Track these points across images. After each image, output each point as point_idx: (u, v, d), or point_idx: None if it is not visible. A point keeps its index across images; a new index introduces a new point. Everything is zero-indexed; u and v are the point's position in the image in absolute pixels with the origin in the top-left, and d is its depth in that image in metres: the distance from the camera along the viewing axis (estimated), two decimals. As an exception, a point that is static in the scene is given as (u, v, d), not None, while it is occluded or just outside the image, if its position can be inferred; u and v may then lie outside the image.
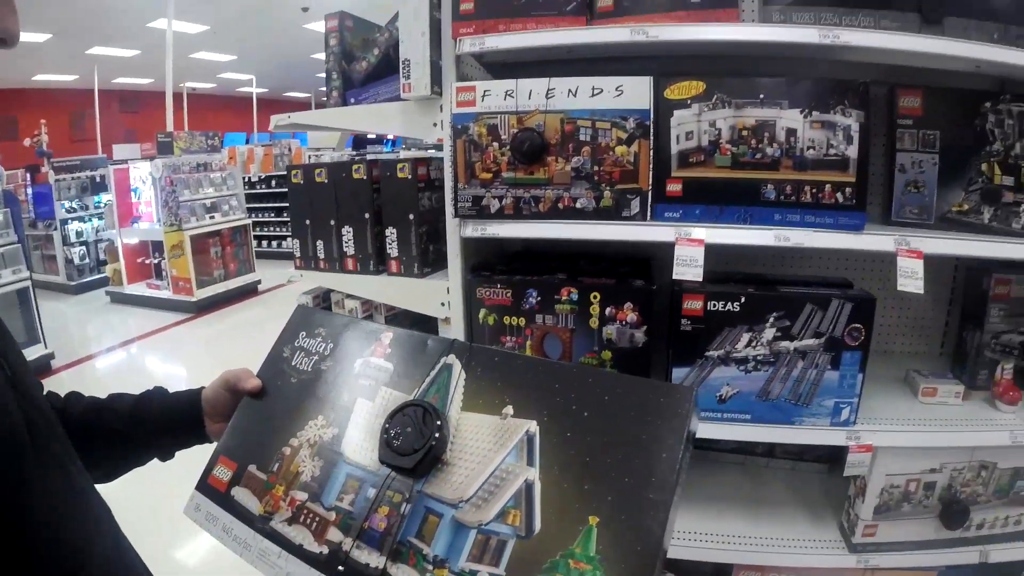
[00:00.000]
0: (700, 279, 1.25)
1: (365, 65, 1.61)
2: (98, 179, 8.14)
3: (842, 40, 1.20)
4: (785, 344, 1.34)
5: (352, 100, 1.64)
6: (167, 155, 6.52)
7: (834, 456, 1.72)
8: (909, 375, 1.60)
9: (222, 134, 7.96)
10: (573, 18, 1.33)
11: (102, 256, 7.91)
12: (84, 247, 7.98)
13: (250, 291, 7.29)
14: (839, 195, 1.26)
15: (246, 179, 9.35)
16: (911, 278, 1.24)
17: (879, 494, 1.43)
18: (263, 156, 10.20)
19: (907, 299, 1.78)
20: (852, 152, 1.24)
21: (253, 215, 8.26)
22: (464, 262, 1.48)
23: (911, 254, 1.25)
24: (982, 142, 1.38)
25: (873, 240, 1.28)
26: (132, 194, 6.94)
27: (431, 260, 1.58)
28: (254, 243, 7.54)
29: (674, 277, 1.26)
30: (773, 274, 1.52)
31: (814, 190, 1.26)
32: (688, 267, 1.26)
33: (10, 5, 0.57)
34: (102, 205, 8.01)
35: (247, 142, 13.87)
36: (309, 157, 8.78)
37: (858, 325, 1.32)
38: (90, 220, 8.05)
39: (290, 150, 10.06)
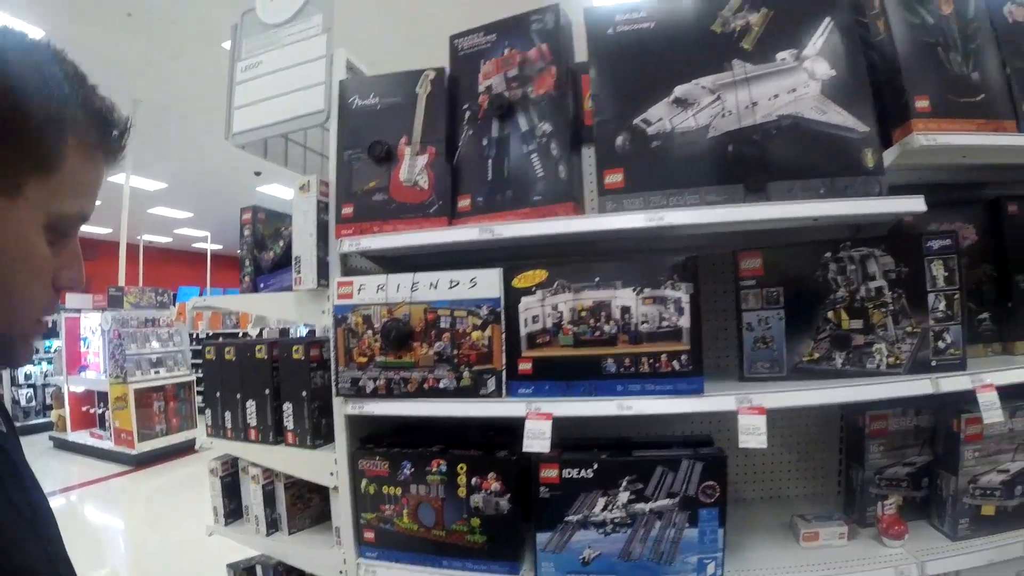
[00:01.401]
0: (547, 451, 1.54)
1: (272, 255, 2.02)
2: (50, 324, 8.88)
3: (666, 221, 1.56)
4: (640, 506, 1.60)
5: (262, 285, 2.04)
6: (117, 308, 7.25)
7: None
8: (793, 520, 1.83)
9: (174, 290, 8.81)
10: (436, 219, 1.73)
11: (48, 400, 8.56)
12: (32, 389, 8.75)
13: (191, 447, 7.64)
14: (675, 363, 1.57)
15: (194, 335, 9.99)
16: (753, 434, 1.52)
17: (757, 649, 1.63)
18: (211, 313, 11.05)
19: (798, 442, 2.05)
20: (684, 322, 1.57)
21: (198, 371, 8.74)
22: (350, 436, 1.80)
23: (752, 411, 1.54)
24: (826, 291, 1.70)
25: (714, 401, 1.57)
26: (81, 343, 7.66)
27: (323, 433, 1.90)
28: (198, 399, 8.00)
29: (523, 450, 1.56)
30: (637, 436, 1.81)
31: (651, 360, 1.58)
32: (536, 440, 1.56)
33: (80, 261, 0.75)
34: (52, 350, 8.77)
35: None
36: (254, 318, 9.56)
37: (712, 483, 1.60)
38: (39, 364, 8.83)
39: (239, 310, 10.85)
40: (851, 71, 1.67)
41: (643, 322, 1.59)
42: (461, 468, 1.68)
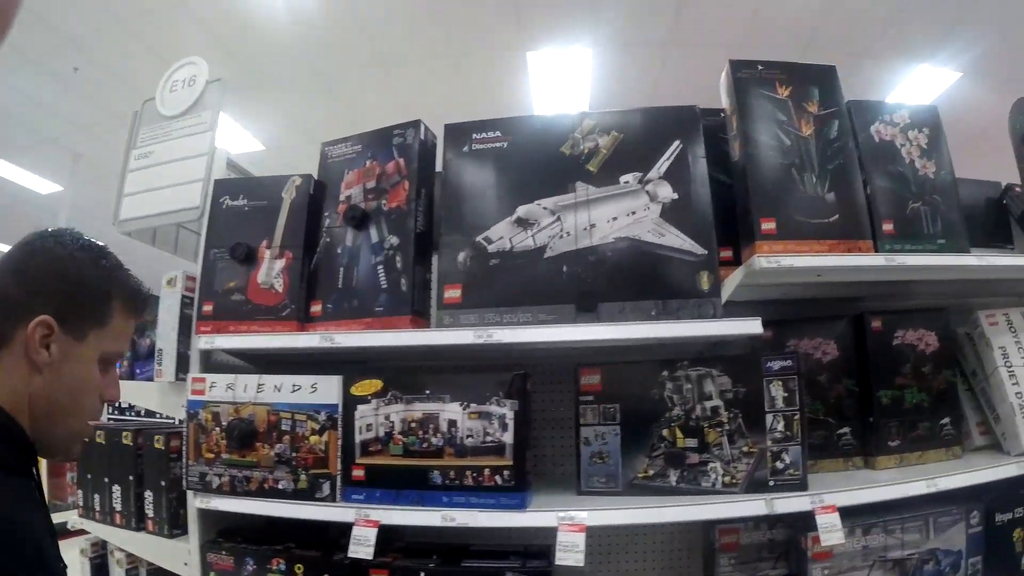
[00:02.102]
0: (371, 557, 1.69)
1: (149, 342, 2.21)
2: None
3: (495, 339, 1.70)
4: (465, 616, 1.74)
5: (138, 371, 2.23)
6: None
7: None
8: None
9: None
10: (287, 322, 1.89)
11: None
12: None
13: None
14: (498, 477, 1.70)
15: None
16: (571, 552, 1.63)
17: None
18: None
19: (667, 551, 2.15)
20: (508, 438, 1.70)
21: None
22: (202, 528, 1.93)
23: (573, 528, 1.67)
24: (662, 409, 1.81)
25: (535, 517, 1.68)
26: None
27: (181, 522, 2.04)
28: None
29: (349, 555, 1.71)
30: (477, 544, 1.93)
31: (474, 474, 1.72)
32: (361, 546, 1.70)
33: (117, 381, 1.21)
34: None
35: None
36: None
37: (535, 596, 1.73)
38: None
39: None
40: (695, 194, 1.81)
41: (468, 436, 1.73)
42: (298, 568, 1.82)
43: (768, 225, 1.81)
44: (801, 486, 1.74)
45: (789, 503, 1.71)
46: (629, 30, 5.64)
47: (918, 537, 1.86)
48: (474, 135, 1.92)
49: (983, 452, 2.04)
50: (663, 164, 1.85)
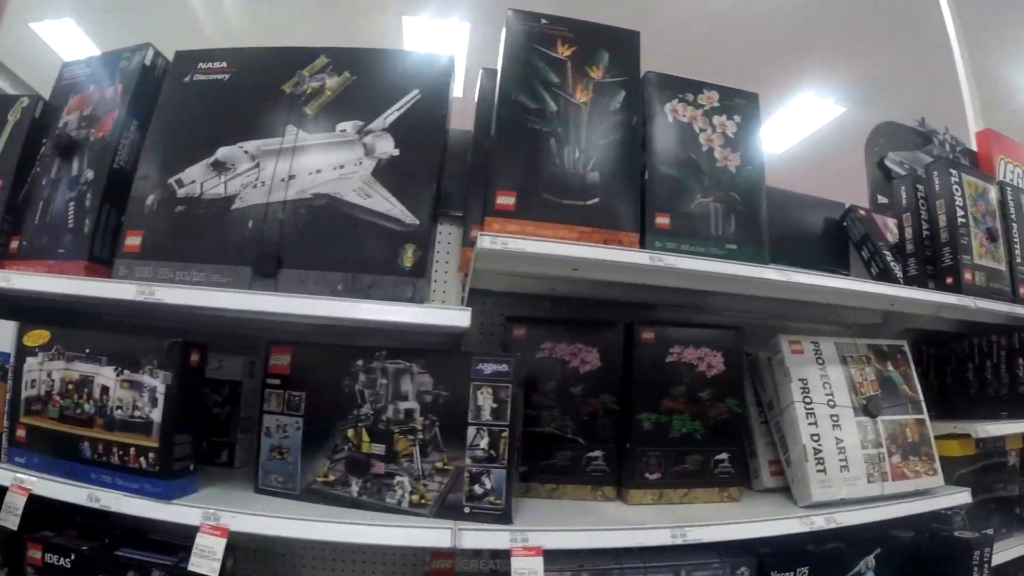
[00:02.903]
0: (15, 528, 1.55)
1: None
2: None
3: (156, 298, 1.49)
4: (99, 609, 1.58)
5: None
6: None
7: None
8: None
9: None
10: (-12, 257, 1.75)
11: None
12: None
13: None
14: (143, 460, 1.51)
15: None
16: (206, 558, 1.45)
17: None
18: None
19: (395, 568, 1.90)
20: (156, 416, 1.49)
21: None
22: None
23: (215, 531, 1.46)
24: (351, 405, 1.55)
25: (178, 512, 1.48)
26: None
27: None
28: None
29: (-3, 524, 1.57)
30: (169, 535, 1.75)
31: (121, 452, 1.53)
32: (9, 514, 1.56)
33: None
34: None
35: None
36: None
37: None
38: None
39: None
40: (419, 154, 1.55)
41: (118, 407, 1.54)
42: (-32, 530, 1.72)
43: (505, 200, 1.52)
44: (503, 518, 1.48)
45: (481, 537, 1.46)
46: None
47: (664, 592, 1.54)
48: (200, 64, 1.69)
49: (772, 496, 1.70)
50: (391, 114, 1.56)
